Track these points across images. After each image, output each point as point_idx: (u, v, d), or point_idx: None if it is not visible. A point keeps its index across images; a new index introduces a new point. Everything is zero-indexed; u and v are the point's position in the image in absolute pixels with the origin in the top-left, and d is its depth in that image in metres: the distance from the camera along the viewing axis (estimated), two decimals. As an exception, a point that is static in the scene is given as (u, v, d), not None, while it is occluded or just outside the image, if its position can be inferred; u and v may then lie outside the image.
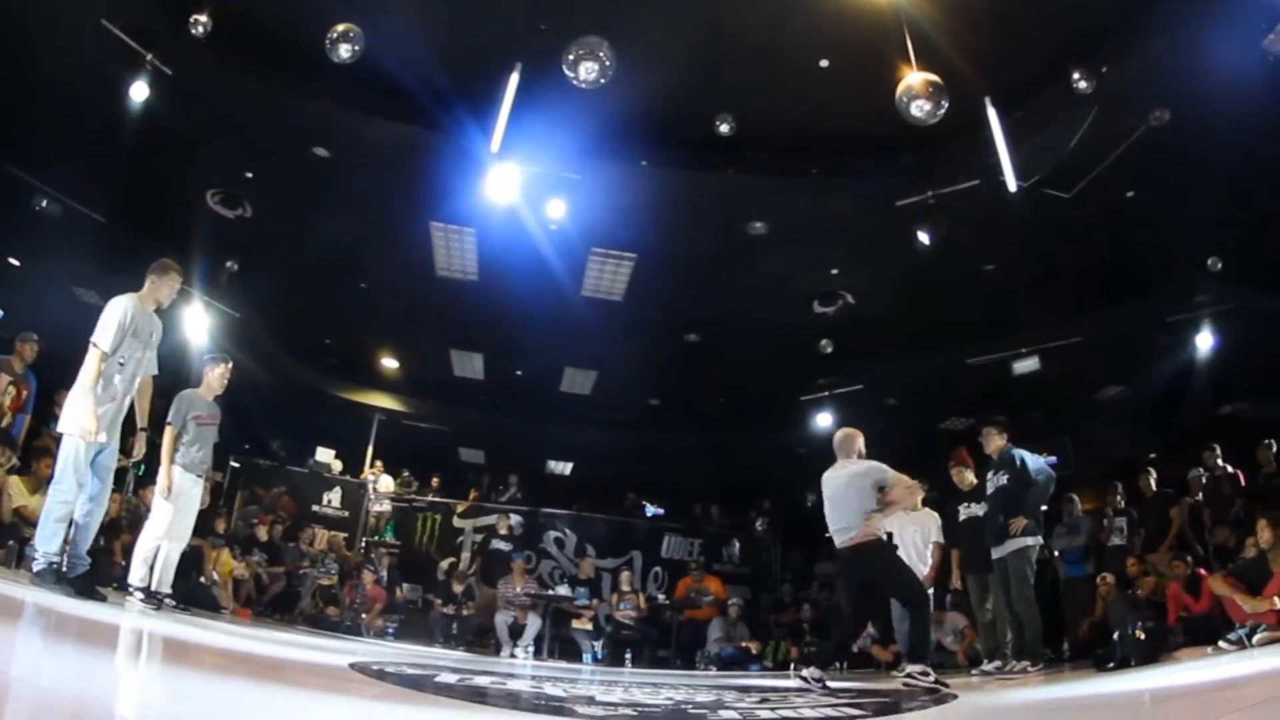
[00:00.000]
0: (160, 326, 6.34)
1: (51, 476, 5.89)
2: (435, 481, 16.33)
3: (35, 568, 5.61)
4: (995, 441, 8.17)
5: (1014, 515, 7.61)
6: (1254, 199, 8.60)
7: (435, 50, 7.82)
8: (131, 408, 6.18)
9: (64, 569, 5.68)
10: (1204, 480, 10.12)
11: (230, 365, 7.40)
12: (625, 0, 7.30)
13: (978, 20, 7.09)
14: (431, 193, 9.51)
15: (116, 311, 5.91)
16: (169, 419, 6.88)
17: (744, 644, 12.64)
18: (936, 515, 9.10)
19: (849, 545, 6.19)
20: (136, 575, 6.62)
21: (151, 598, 6.54)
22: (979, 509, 8.48)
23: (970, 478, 8.77)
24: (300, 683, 4.15)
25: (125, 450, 6.40)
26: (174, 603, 6.83)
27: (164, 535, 6.72)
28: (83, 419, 5.67)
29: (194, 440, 6.95)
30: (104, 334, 5.80)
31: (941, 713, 4.52)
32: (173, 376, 7.22)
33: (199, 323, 11.12)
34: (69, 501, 5.71)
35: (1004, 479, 7.91)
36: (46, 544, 5.63)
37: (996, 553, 7.80)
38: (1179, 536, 9.79)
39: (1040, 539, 7.82)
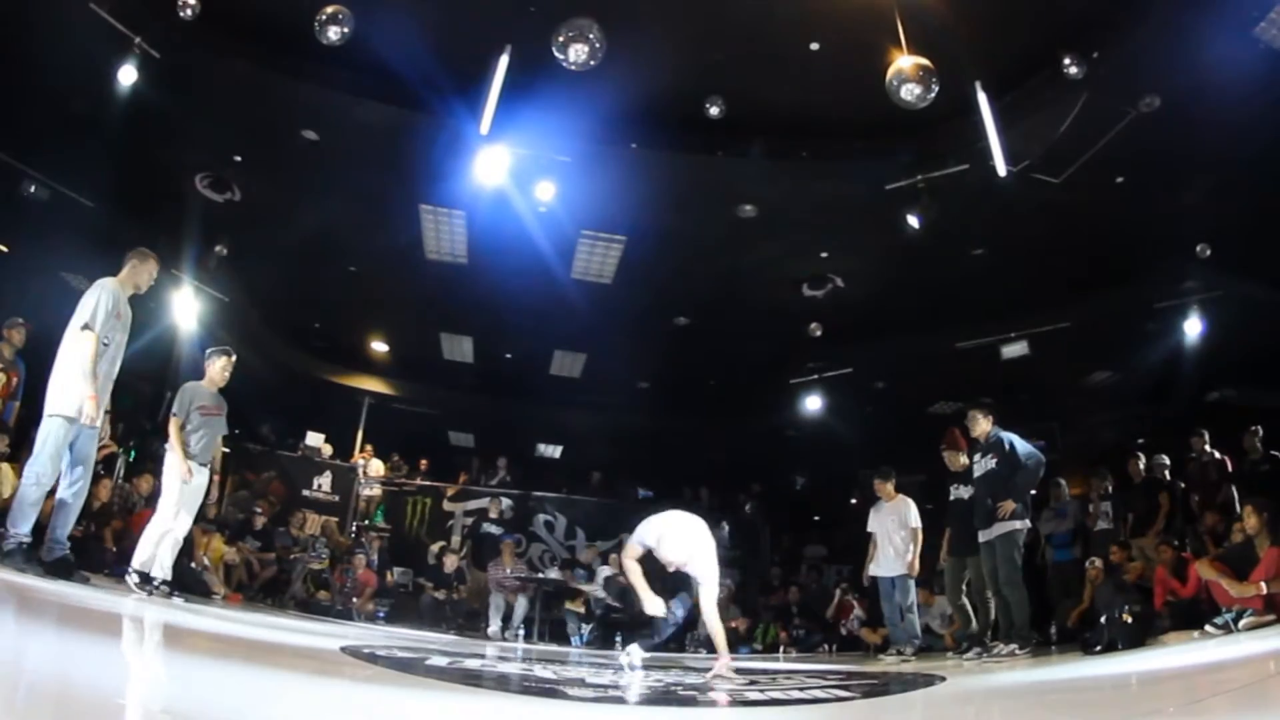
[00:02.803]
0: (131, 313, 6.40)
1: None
2: (423, 464, 16.32)
3: (6, 548, 5.61)
4: (981, 425, 8.17)
5: (1002, 499, 7.62)
6: (1244, 186, 8.62)
7: (424, 32, 7.76)
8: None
9: (40, 550, 5.68)
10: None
11: (233, 359, 7.38)
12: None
13: (969, 4, 7.09)
14: (421, 176, 9.47)
15: (103, 294, 6.00)
16: (173, 411, 6.89)
17: (734, 624, 12.80)
18: (911, 501, 9.15)
19: None
20: (138, 559, 6.59)
21: (147, 582, 6.52)
22: (965, 491, 8.50)
23: (962, 460, 8.74)
24: (292, 666, 4.17)
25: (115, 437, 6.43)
26: (167, 588, 6.81)
27: (174, 521, 6.73)
28: (86, 405, 5.75)
29: (197, 428, 6.94)
30: (95, 316, 5.88)
31: (929, 695, 4.57)
32: (162, 362, 7.17)
33: (188, 307, 11.06)
34: (44, 485, 5.72)
35: (992, 462, 7.92)
36: (17, 525, 5.64)
37: (984, 536, 7.82)
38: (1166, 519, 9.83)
39: (1028, 522, 7.82)
